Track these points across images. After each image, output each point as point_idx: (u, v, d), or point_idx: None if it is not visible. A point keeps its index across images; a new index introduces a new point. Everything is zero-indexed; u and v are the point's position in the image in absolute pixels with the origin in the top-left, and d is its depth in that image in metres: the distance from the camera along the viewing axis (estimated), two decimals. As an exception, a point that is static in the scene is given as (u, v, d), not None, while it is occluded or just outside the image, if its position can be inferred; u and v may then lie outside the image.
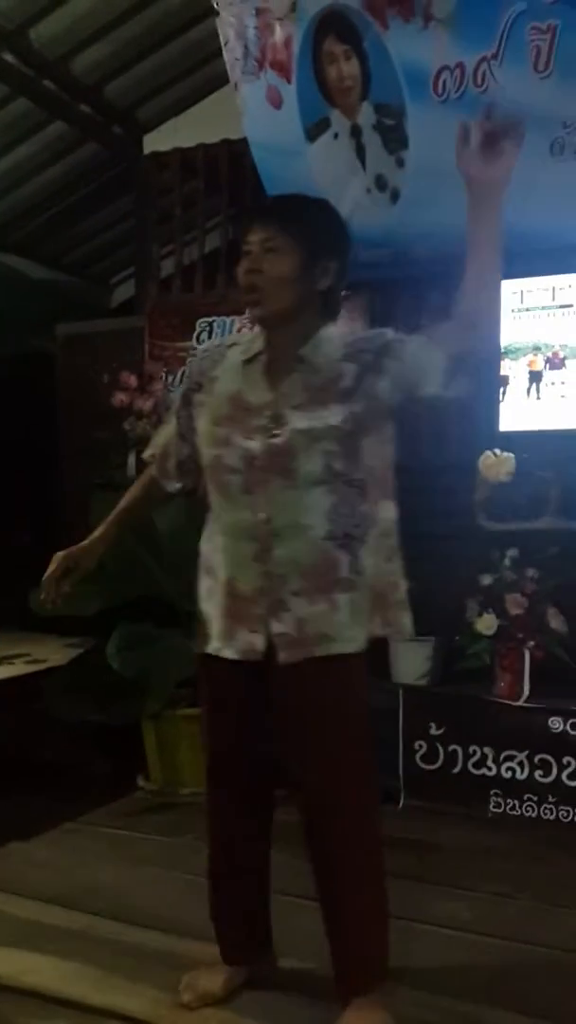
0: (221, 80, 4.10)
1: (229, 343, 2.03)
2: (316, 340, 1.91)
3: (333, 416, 1.85)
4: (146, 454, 2.17)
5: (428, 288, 3.91)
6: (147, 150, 4.78)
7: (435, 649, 3.48)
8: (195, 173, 4.55)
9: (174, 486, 2.12)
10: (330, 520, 1.85)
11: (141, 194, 4.79)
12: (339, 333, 1.96)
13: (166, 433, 2.12)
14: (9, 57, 4.10)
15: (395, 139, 3.55)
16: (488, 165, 1.83)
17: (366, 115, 3.58)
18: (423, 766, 3.37)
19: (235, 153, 4.27)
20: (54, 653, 3.62)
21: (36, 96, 4.35)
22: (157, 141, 4.75)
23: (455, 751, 3.33)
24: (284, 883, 2.25)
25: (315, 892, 2.00)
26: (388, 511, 1.95)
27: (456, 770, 3.32)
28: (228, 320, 4.29)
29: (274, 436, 1.85)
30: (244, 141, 3.95)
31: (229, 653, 1.91)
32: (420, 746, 3.38)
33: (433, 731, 3.36)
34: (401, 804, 3.39)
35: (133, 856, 2.98)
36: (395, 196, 3.65)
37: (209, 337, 4.33)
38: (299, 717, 1.90)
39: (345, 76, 3.58)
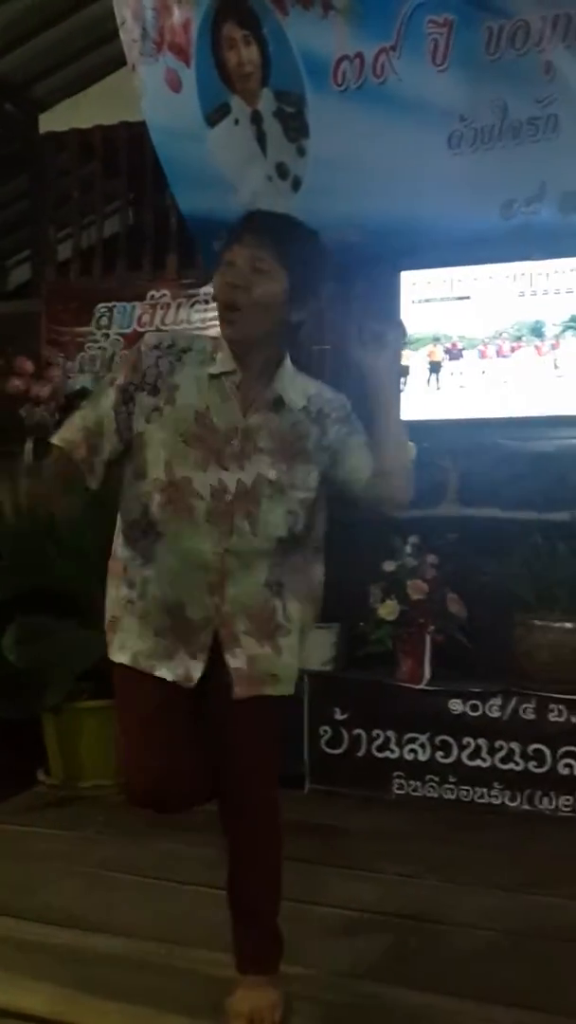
0: (120, 61, 4.01)
1: (183, 347, 1.88)
2: (284, 379, 1.89)
3: (299, 477, 1.86)
4: (61, 439, 1.94)
5: (329, 277, 3.94)
6: (43, 129, 4.65)
7: (339, 635, 3.51)
8: (93, 154, 4.45)
9: (96, 484, 1.94)
10: (271, 570, 1.87)
11: (37, 175, 4.66)
12: (298, 375, 1.93)
13: (94, 424, 1.90)
14: None
15: (296, 127, 3.56)
16: (378, 356, 1.91)
17: (266, 102, 3.58)
18: (328, 750, 3.40)
19: (134, 136, 4.20)
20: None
21: None
22: (53, 120, 4.64)
23: (359, 735, 3.36)
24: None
25: (228, 883, 2.05)
26: (317, 570, 2.00)
27: (360, 753, 3.36)
28: (129, 306, 4.23)
29: (242, 472, 1.82)
30: (143, 124, 3.88)
31: (164, 673, 1.87)
32: (325, 731, 3.40)
33: (337, 716, 3.39)
34: (306, 789, 3.41)
35: (34, 852, 2.91)
36: (296, 184, 3.65)
37: (109, 323, 4.26)
38: (234, 746, 1.94)
39: (244, 62, 3.56)
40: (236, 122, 3.70)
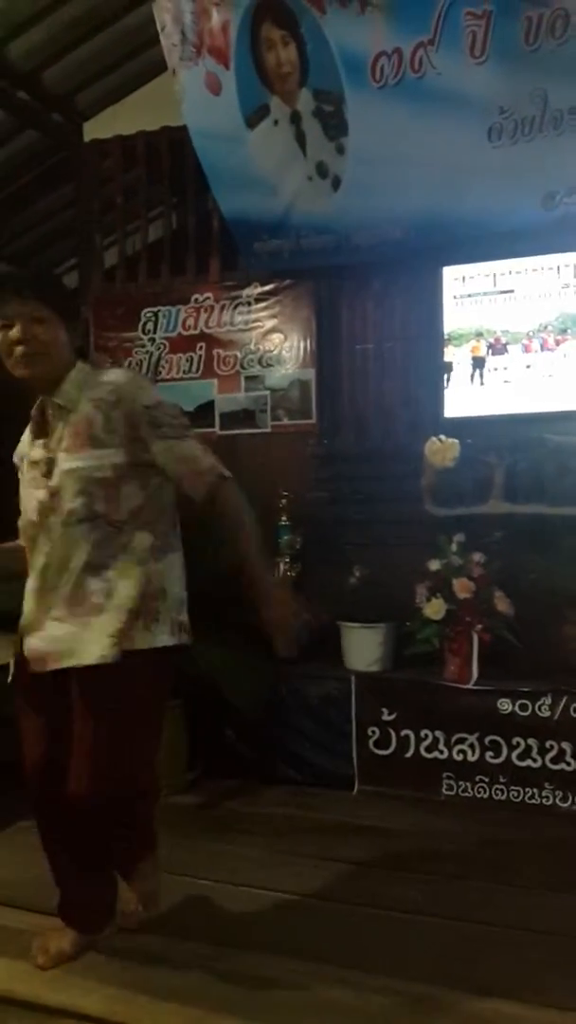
0: (161, 66, 4.03)
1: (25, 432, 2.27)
2: (65, 384, 2.14)
3: (89, 460, 2.10)
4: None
5: (370, 274, 3.93)
6: (87, 138, 4.70)
7: (386, 635, 3.50)
8: (136, 161, 4.49)
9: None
10: (88, 553, 2.10)
11: (82, 183, 4.72)
12: (89, 372, 2.18)
13: None
14: None
15: (335, 125, 3.54)
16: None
17: (305, 101, 3.57)
18: (376, 751, 3.40)
19: (176, 140, 4.22)
20: (2, 650, 3.56)
21: (-29, 84, 4.26)
22: (97, 128, 4.68)
23: (407, 736, 3.35)
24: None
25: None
26: (144, 540, 2.14)
27: (409, 754, 3.35)
28: (173, 310, 4.26)
29: (52, 479, 2.12)
30: (185, 128, 3.90)
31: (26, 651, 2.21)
32: (373, 732, 3.40)
33: (385, 716, 3.39)
34: (355, 790, 3.41)
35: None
36: (336, 183, 3.64)
37: (154, 328, 4.30)
38: (78, 720, 2.12)
39: (283, 62, 3.55)
40: (275, 123, 3.69)
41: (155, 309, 4.29)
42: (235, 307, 4.15)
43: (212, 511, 2.12)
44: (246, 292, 4.13)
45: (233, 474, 2.18)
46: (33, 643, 2.15)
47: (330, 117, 3.55)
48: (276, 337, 4.09)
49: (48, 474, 2.13)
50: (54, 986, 2.17)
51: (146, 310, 4.31)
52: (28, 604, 2.19)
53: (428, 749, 3.32)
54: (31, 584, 2.19)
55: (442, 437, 3.46)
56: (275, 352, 4.09)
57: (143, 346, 4.31)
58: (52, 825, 2.22)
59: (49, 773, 2.15)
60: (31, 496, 2.18)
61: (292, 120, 3.65)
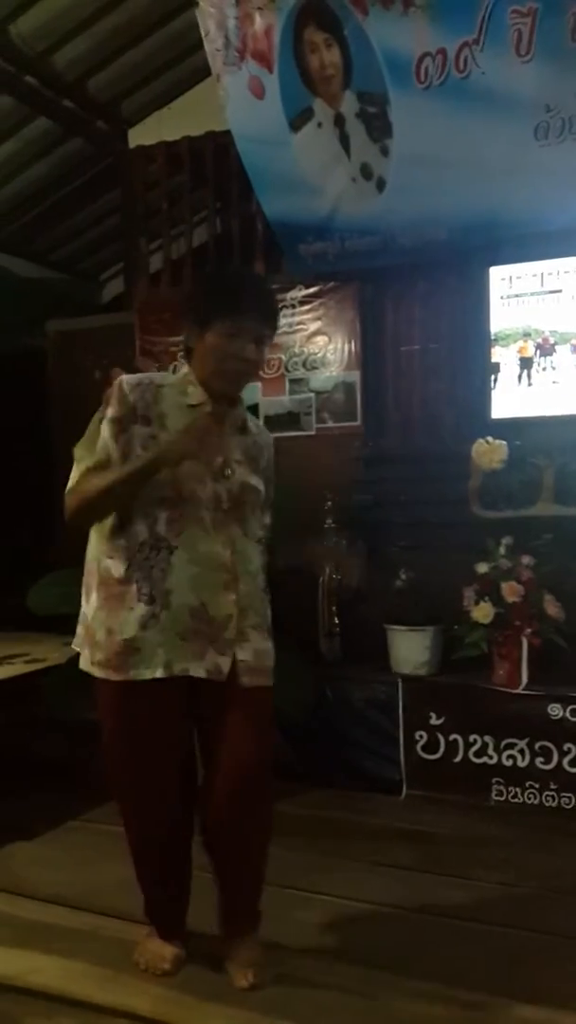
0: (204, 72, 4.06)
1: (159, 383, 2.11)
2: (242, 407, 2.20)
3: (259, 486, 2.17)
4: (91, 464, 2.08)
5: (416, 275, 3.91)
6: (132, 144, 4.75)
7: (433, 638, 3.48)
8: (181, 166, 4.52)
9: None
10: (261, 572, 2.17)
11: (128, 189, 4.76)
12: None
13: (106, 454, 2.07)
14: (-11, 54, 4.08)
15: (379, 127, 3.53)
16: None
17: (349, 103, 3.56)
18: (424, 756, 3.38)
19: (220, 145, 4.24)
20: (53, 652, 3.62)
21: (19, 92, 4.33)
22: (142, 135, 4.72)
23: (456, 740, 3.33)
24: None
25: (218, 860, 2.20)
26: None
27: (457, 759, 3.32)
28: (218, 314, 4.27)
29: (229, 483, 2.09)
30: (229, 133, 3.92)
31: (198, 672, 2.06)
32: (420, 736, 3.38)
33: (433, 721, 3.37)
34: (403, 794, 3.40)
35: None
36: (381, 185, 3.62)
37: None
38: (240, 733, 2.11)
39: (327, 65, 3.55)
40: (319, 125, 3.69)
41: (200, 313, 4.31)
42: (279, 310, 4.15)
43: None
44: (290, 295, 4.13)
45: (278, 477, 2.31)
46: (242, 656, 2.09)
47: (374, 119, 3.54)
48: (321, 339, 4.08)
49: (227, 472, 2.10)
50: (104, 985, 2.19)
51: (191, 314, 4.33)
52: (200, 594, 2.05)
53: (477, 754, 3.29)
54: (198, 569, 2.04)
55: (489, 439, 3.43)
56: (320, 354, 4.08)
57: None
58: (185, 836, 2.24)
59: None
60: (204, 477, 2.06)
61: (336, 122, 3.65)
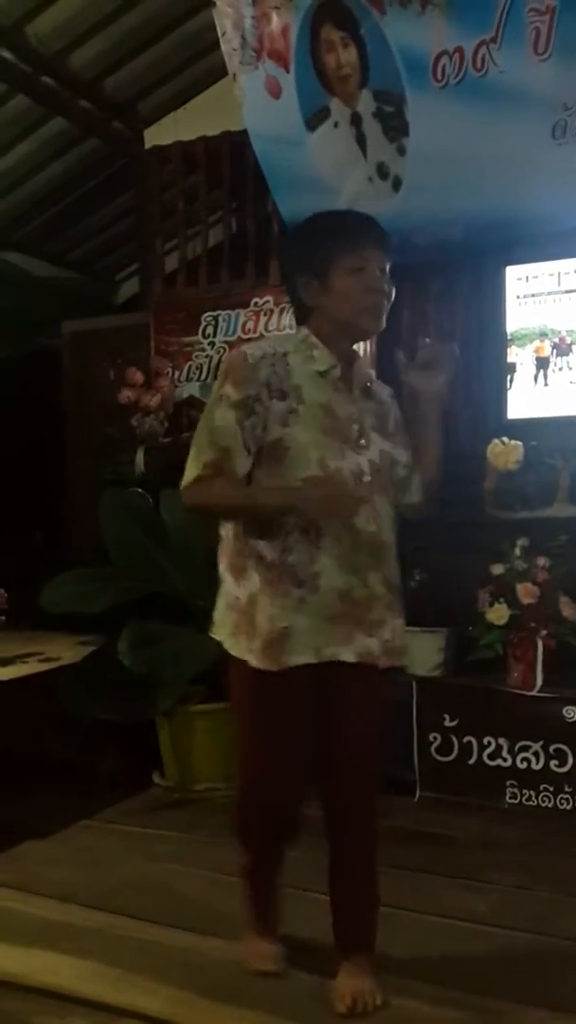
0: (221, 71, 4.06)
1: (283, 351, 1.97)
2: (364, 366, 2.11)
3: (397, 453, 2.09)
4: (212, 458, 1.93)
5: (432, 274, 3.89)
6: (148, 144, 4.74)
7: (447, 640, 3.46)
8: (197, 166, 4.52)
9: None
10: (393, 541, 2.06)
11: (143, 189, 4.77)
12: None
13: (229, 443, 1.92)
14: (7, 54, 4.08)
15: (395, 126, 3.51)
16: (429, 381, 2.10)
17: (365, 103, 3.55)
18: (438, 758, 3.36)
19: (236, 145, 4.24)
20: (67, 651, 3.62)
21: (35, 93, 4.32)
22: (158, 135, 4.72)
23: (470, 742, 3.31)
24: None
25: (336, 867, 2.11)
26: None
27: (471, 761, 3.30)
28: (233, 314, 4.28)
29: (368, 452, 2.00)
30: (245, 132, 3.92)
31: (348, 657, 1.97)
32: (434, 738, 3.36)
33: (447, 723, 3.35)
34: (416, 796, 3.38)
35: (149, 853, 2.98)
36: (397, 184, 3.61)
37: (214, 332, 4.32)
38: (362, 712, 2.05)
39: (343, 64, 3.54)
40: (336, 125, 3.68)
41: (215, 313, 4.31)
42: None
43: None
44: (305, 295, 4.12)
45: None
46: (387, 636, 2.02)
47: (391, 118, 3.53)
48: (336, 339, 4.07)
49: (362, 442, 1.99)
50: (116, 986, 2.19)
51: (206, 314, 4.33)
52: (345, 577, 1.96)
53: (491, 756, 3.27)
54: (341, 548, 1.95)
55: (505, 439, 3.41)
56: (335, 355, 4.07)
57: (203, 350, 4.34)
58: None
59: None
60: (342, 450, 1.96)
61: (352, 122, 3.63)
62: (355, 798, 2.07)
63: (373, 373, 2.15)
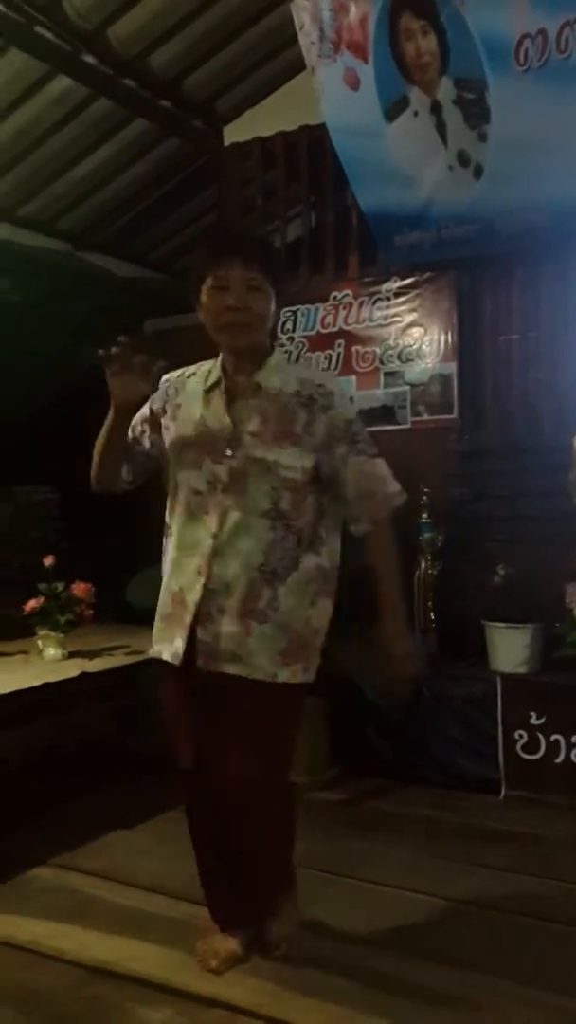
0: (298, 66, 4.06)
1: (190, 372, 2.18)
2: (268, 367, 2.09)
3: (286, 458, 2.03)
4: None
5: (514, 263, 3.82)
6: (227, 141, 4.78)
7: (534, 636, 3.39)
8: (275, 161, 4.53)
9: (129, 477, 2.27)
10: (264, 553, 2.03)
11: (223, 186, 4.80)
12: (286, 362, 2.20)
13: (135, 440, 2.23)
14: (89, 58, 4.16)
15: (476, 113, 3.45)
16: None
17: (446, 90, 3.50)
18: (524, 756, 3.30)
19: (315, 138, 4.23)
20: (150, 645, 3.67)
21: (116, 95, 4.39)
22: (237, 132, 4.75)
23: (557, 740, 3.24)
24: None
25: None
26: (311, 560, 2.09)
27: (559, 760, 3.24)
28: (312, 308, 4.27)
29: (231, 458, 2.04)
30: (323, 126, 3.91)
31: (167, 656, 2.11)
32: (520, 735, 3.30)
33: (534, 720, 3.29)
34: (502, 795, 3.32)
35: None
36: (478, 171, 3.55)
37: (293, 327, 4.32)
38: (216, 724, 2.09)
39: (423, 52, 3.49)
40: (415, 114, 3.64)
41: (294, 308, 4.32)
42: (374, 303, 4.12)
43: (369, 541, 2.12)
44: (385, 287, 4.10)
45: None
46: (202, 636, 2.05)
47: (472, 105, 3.47)
48: (416, 331, 4.03)
49: (231, 450, 2.03)
50: (202, 975, 2.21)
51: (285, 309, 4.34)
52: (179, 580, 2.09)
53: (580, 755, 3.20)
54: (179, 555, 2.09)
55: (592, 430, 3.31)
56: (415, 346, 4.03)
57: (282, 345, 4.34)
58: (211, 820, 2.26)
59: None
60: (201, 461, 2.06)
61: (432, 110, 3.59)
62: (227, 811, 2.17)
63: (296, 375, 2.12)
